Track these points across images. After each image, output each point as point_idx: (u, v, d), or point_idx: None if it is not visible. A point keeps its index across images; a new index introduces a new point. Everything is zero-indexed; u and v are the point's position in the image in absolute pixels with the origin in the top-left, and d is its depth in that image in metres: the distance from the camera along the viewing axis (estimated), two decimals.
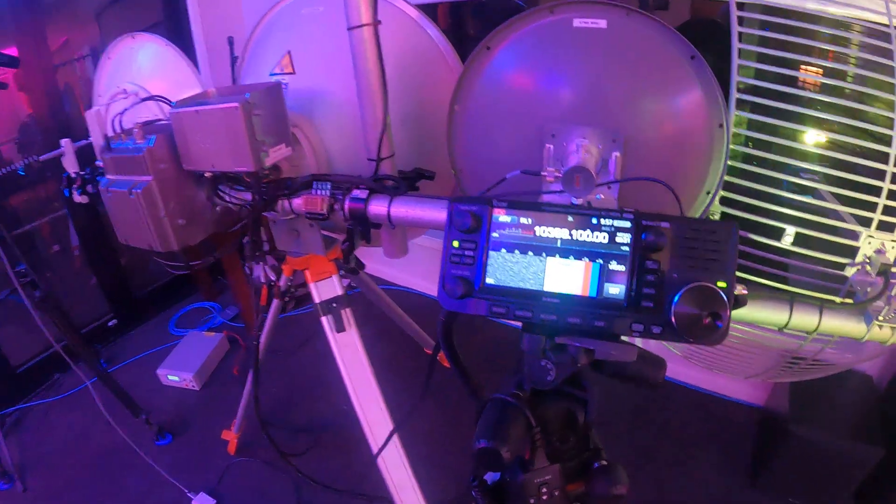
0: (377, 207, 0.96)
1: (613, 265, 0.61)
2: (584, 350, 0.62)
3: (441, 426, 1.88)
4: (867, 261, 0.89)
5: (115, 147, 1.09)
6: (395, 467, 1.26)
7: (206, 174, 1.10)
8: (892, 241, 0.89)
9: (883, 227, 0.89)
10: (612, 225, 0.61)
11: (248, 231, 1.11)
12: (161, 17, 2.40)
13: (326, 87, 1.14)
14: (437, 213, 0.91)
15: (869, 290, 0.86)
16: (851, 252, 0.90)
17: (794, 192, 0.93)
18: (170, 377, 2.13)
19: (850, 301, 0.91)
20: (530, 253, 0.63)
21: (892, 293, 0.85)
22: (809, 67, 0.96)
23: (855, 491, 1.59)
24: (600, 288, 0.61)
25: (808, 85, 0.95)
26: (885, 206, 0.88)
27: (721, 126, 0.87)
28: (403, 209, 0.94)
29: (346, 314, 1.23)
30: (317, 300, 1.23)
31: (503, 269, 0.63)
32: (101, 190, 1.12)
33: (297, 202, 1.03)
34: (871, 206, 0.89)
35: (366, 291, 1.74)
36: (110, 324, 2.43)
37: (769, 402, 1.92)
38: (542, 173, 0.82)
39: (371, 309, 1.88)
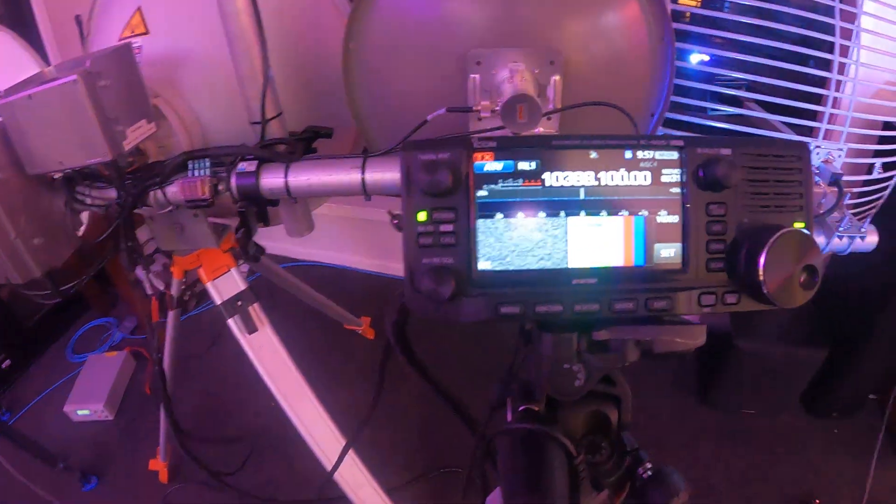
0: (271, 179, 0.80)
1: (663, 217, 0.43)
2: (633, 343, 0.45)
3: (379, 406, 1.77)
4: (816, 172, 0.87)
5: None
6: (349, 467, 1.14)
7: (57, 175, 0.89)
8: (839, 150, 0.87)
9: (828, 136, 0.88)
10: (654, 158, 0.43)
11: (120, 235, 0.91)
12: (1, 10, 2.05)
13: (189, 43, 0.94)
14: (348, 175, 0.76)
15: (822, 201, 0.84)
16: None
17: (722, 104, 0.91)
18: (79, 412, 1.90)
19: None
20: (541, 214, 0.43)
21: (845, 202, 0.84)
22: None
23: (801, 393, 1.65)
24: (648, 252, 0.43)
25: None
26: (830, 115, 0.86)
27: (663, 40, 0.76)
28: (304, 177, 0.79)
29: (256, 310, 1.06)
30: (218, 301, 1.05)
31: (503, 246, 0.42)
32: None
33: (173, 190, 0.85)
34: (815, 116, 0.87)
35: (267, 275, 1.57)
36: (4, 365, 2.13)
37: (705, 319, 1.95)
38: (475, 108, 0.68)
39: (271, 289, 1.71)
